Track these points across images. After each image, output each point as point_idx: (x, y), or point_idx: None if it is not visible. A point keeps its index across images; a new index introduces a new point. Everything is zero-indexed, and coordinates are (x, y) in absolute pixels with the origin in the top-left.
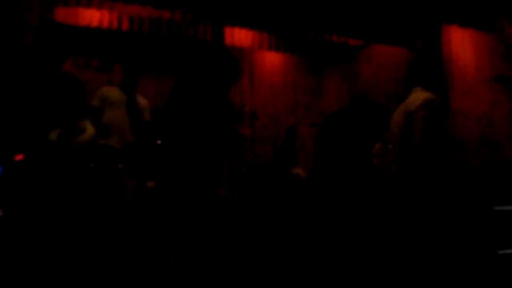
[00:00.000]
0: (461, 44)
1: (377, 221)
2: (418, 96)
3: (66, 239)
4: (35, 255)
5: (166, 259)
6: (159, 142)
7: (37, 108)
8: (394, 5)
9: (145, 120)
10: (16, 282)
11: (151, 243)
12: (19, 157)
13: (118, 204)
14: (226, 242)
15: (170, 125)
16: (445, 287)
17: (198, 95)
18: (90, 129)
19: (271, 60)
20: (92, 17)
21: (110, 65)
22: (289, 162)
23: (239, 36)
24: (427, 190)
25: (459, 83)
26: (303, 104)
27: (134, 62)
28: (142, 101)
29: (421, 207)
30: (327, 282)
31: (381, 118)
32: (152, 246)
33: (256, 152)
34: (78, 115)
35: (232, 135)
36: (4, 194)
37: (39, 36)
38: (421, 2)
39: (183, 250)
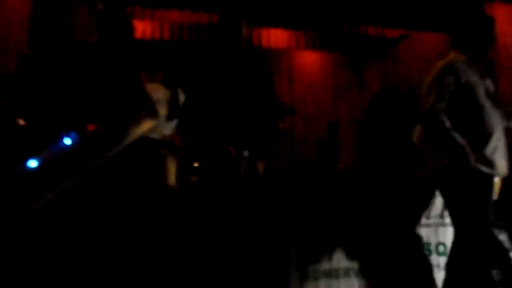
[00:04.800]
0: (507, 21)
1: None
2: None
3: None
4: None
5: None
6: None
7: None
8: None
9: None
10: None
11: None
12: (91, 127)
13: (162, 188)
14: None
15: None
16: None
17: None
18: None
19: (309, 59)
20: (136, 28)
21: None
22: (331, 158)
23: (275, 37)
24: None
25: (506, 61)
26: (343, 100)
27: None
28: (183, 97)
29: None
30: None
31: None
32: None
33: (296, 148)
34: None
35: (273, 130)
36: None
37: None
38: None
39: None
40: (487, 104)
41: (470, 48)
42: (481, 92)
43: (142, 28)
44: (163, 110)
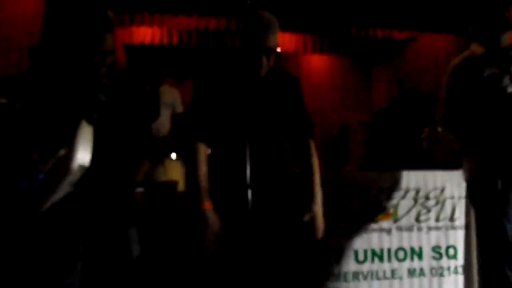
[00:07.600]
0: None
1: None
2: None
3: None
4: None
5: None
6: None
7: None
8: None
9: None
10: None
11: None
12: None
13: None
14: None
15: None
16: None
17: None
18: None
19: (317, 63)
20: (145, 34)
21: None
22: (341, 162)
23: (283, 41)
24: None
25: None
26: (352, 104)
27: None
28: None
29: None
30: None
31: (428, 106)
32: None
33: None
34: None
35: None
36: None
37: None
38: None
39: None
40: None
41: (485, 37)
42: (506, 82)
43: (151, 33)
44: (166, 112)
